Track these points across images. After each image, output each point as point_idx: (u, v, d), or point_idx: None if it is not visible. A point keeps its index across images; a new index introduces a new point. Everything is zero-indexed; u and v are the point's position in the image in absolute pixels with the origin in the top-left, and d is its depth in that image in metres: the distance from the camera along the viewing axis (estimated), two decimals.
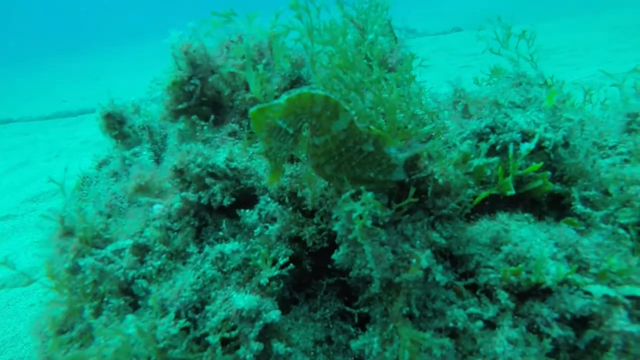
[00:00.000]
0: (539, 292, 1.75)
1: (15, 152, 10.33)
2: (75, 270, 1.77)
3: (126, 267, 1.80)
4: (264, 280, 1.75)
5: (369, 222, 1.60)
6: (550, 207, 2.18)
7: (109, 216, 2.25)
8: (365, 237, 1.62)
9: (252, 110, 1.47)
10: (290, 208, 1.85)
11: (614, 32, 13.81)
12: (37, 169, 8.81)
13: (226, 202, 1.83)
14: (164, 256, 1.84)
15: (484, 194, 2.00)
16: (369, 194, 1.58)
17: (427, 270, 1.71)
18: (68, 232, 1.81)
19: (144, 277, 1.81)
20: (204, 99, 2.19)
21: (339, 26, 1.60)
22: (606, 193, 2.07)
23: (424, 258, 1.68)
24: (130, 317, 1.59)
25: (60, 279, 1.74)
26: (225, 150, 1.88)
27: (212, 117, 2.11)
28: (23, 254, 5.02)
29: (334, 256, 1.71)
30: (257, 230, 1.80)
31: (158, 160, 2.54)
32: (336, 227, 1.65)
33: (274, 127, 1.50)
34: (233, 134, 2.08)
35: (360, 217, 1.57)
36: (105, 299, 1.78)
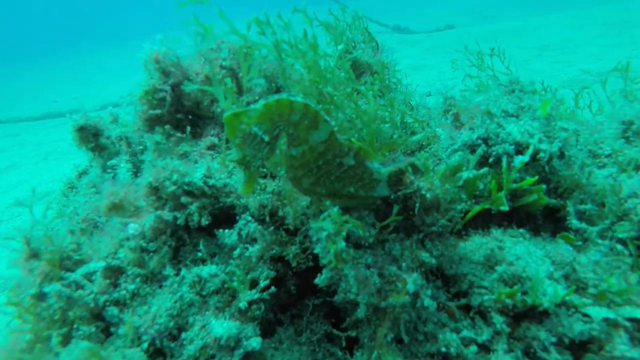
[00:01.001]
0: (536, 314, 1.66)
1: (3, 154, 10.12)
2: (42, 296, 1.66)
3: (97, 291, 1.69)
4: (242, 304, 1.65)
5: (342, 244, 1.51)
6: (546, 219, 2.10)
7: (83, 231, 2.13)
8: (345, 261, 1.52)
9: (226, 114, 1.38)
10: (272, 227, 1.74)
11: (605, 28, 13.80)
12: (24, 172, 8.63)
13: (204, 222, 1.72)
14: (138, 279, 1.73)
15: (476, 208, 1.91)
16: (335, 209, 1.49)
17: (416, 294, 1.62)
18: (34, 255, 1.69)
19: (117, 302, 1.70)
20: (180, 109, 2.07)
21: (308, 39, 1.50)
22: (602, 205, 1.99)
23: (411, 282, 1.59)
24: (83, 344, 1.48)
25: (25, 306, 1.63)
26: (202, 166, 1.77)
27: (189, 128, 2.00)
28: (5, 262, 4.88)
29: (317, 281, 1.61)
30: (237, 252, 1.69)
31: (137, 173, 2.42)
32: (317, 250, 1.55)
33: (249, 133, 1.40)
34: (212, 147, 1.96)
35: (332, 240, 1.47)
36: (75, 325, 1.67)
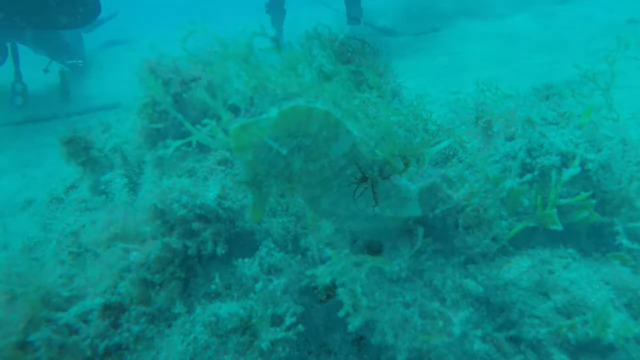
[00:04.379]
0: (598, 348, 1.48)
1: None
2: (26, 345, 1.40)
3: (94, 335, 1.44)
4: (265, 345, 1.42)
5: (358, 289, 1.31)
6: (588, 236, 1.93)
7: (75, 256, 1.89)
8: (371, 309, 1.33)
9: (233, 127, 1.16)
10: (299, 256, 1.52)
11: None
12: (3, 181, 8.19)
13: (220, 251, 1.49)
14: (143, 319, 1.49)
15: (519, 226, 1.72)
16: (329, 252, 1.31)
17: (463, 336, 1.42)
18: (15, 297, 1.44)
19: (119, 347, 1.46)
20: (185, 118, 1.83)
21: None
22: None
23: (458, 323, 1.39)
24: None
25: (4, 358, 1.37)
26: (215, 185, 1.54)
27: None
28: None
29: (351, 327, 1.39)
30: (259, 285, 1.47)
31: (134, 189, 2.17)
32: (342, 296, 1.35)
33: (262, 146, 1.19)
34: (223, 162, 1.73)
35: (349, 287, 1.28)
36: None
